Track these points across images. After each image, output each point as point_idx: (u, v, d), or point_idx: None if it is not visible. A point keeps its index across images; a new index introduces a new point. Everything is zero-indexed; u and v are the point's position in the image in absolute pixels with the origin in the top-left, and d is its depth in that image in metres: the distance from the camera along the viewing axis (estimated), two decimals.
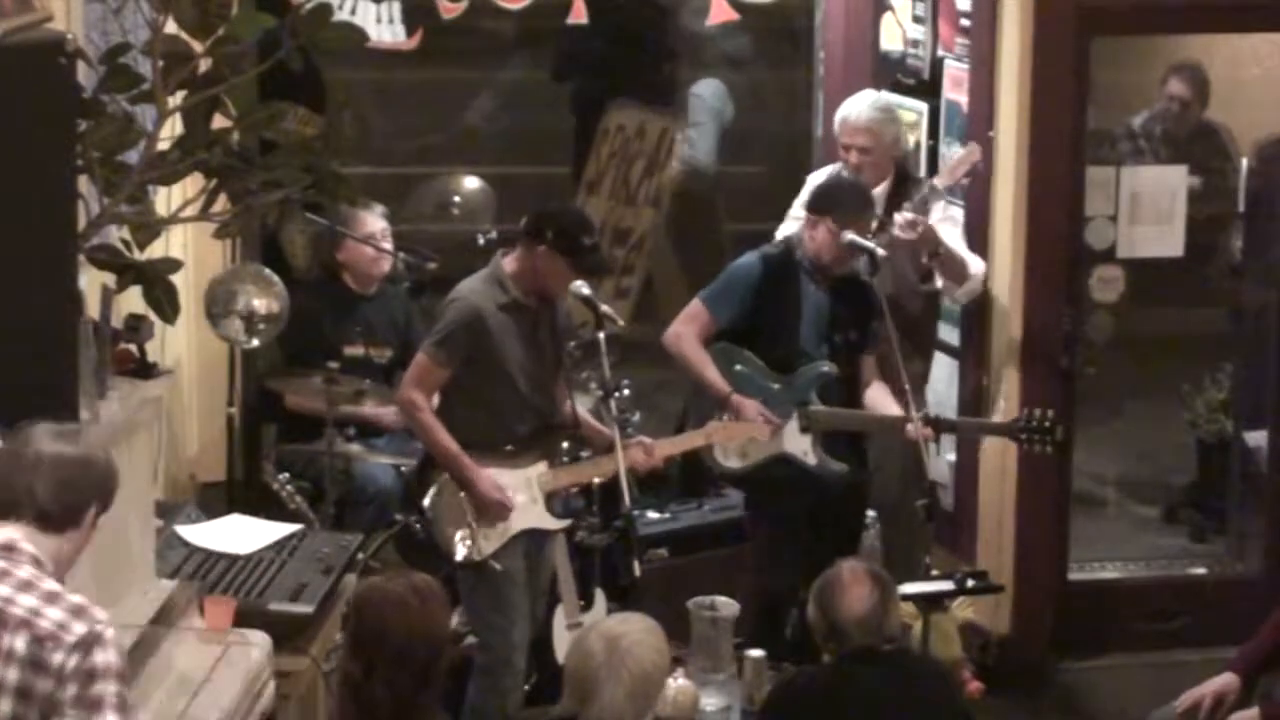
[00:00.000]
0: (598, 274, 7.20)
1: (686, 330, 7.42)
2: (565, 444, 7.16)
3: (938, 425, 7.49)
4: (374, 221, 8.15)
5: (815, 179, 8.02)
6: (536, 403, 6.93)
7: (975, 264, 7.93)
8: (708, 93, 9.87)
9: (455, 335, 6.79)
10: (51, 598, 4.20)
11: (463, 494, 6.82)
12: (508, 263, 6.88)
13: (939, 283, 7.98)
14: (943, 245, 7.80)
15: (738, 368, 7.35)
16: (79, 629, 4.17)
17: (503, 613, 6.86)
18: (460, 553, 6.81)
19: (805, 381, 7.38)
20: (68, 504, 4.34)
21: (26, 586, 4.19)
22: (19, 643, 4.14)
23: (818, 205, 7.42)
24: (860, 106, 7.98)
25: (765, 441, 7.36)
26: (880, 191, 7.95)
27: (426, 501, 6.89)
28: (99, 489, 4.43)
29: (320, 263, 8.29)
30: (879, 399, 7.43)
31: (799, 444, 7.39)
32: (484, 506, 6.82)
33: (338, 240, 8.07)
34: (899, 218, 7.70)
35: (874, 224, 7.49)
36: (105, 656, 4.19)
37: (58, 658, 4.14)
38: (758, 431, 7.22)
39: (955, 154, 7.98)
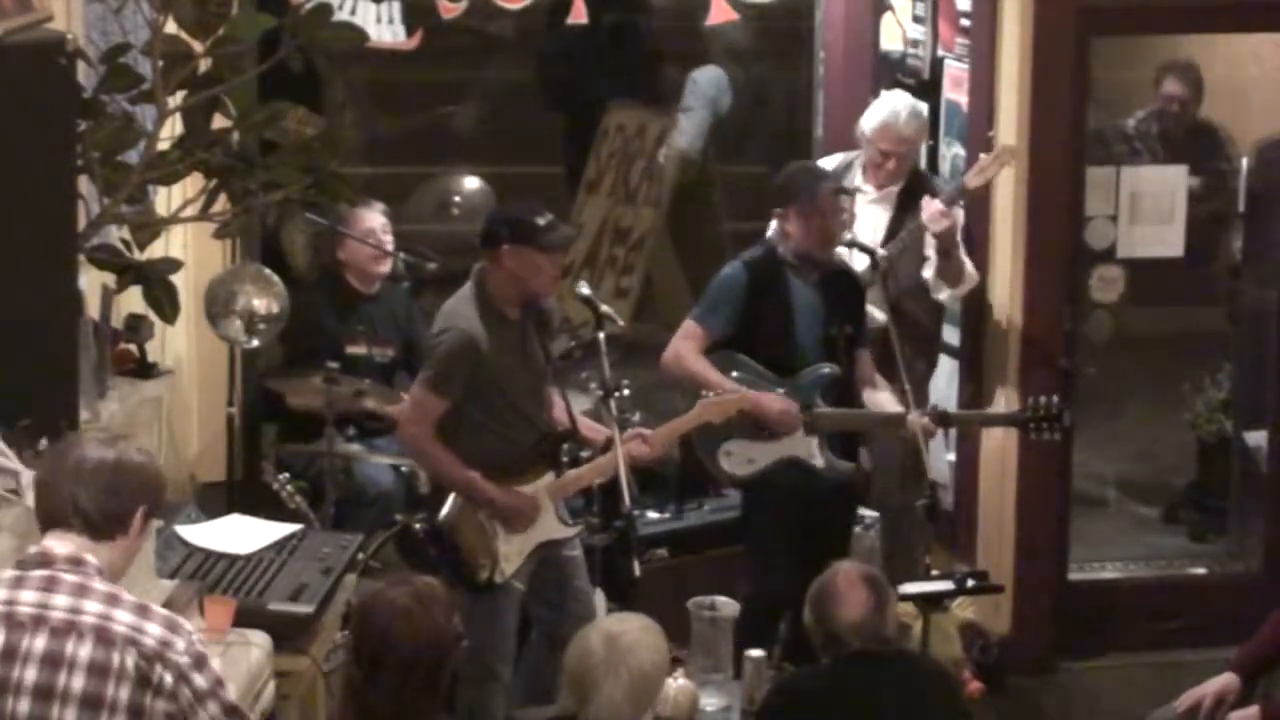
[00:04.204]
0: (565, 246, 7.09)
1: (684, 347, 7.39)
2: (565, 446, 7.13)
3: (944, 419, 7.50)
4: (373, 218, 8.14)
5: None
6: (533, 415, 6.91)
7: (971, 273, 7.93)
8: (704, 79, 9.85)
9: (452, 367, 6.71)
10: (143, 611, 4.20)
11: (480, 515, 6.81)
12: (486, 279, 6.81)
13: (927, 273, 7.95)
14: (957, 246, 7.82)
15: (735, 374, 7.33)
16: (181, 645, 4.19)
17: (496, 629, 6.84)
18: (483, 575, 6.80)
19: (808, 383, 7.36)
20: (111, 511, 4.27)
21: (114, 600, 4.18)
22: (129, 660, 4.14)
23: (779, 200, 7.42)
24: (902, 113, 7.94)
25: (771, 446, 7.35)
26: (895, 189, 7.96)
27: (443, 516, 6.85)
28: (143, 492, 4.35)
29: (321, 262, 8.28)
30: (878, 396, 7.43)
31: (805, 446, 7.38)
32: (514, 516, 6.80)
33: (338, 239, 8.07)
34: (930, 206, 7.70)
35: (836, 198, 7.47)
36: (217, 663, 4.27)
37: (168, 679, 4.16)
38: (745, 404, 7.17)
39: (985, 155, 7.91)
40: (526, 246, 6.72)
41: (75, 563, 4.19)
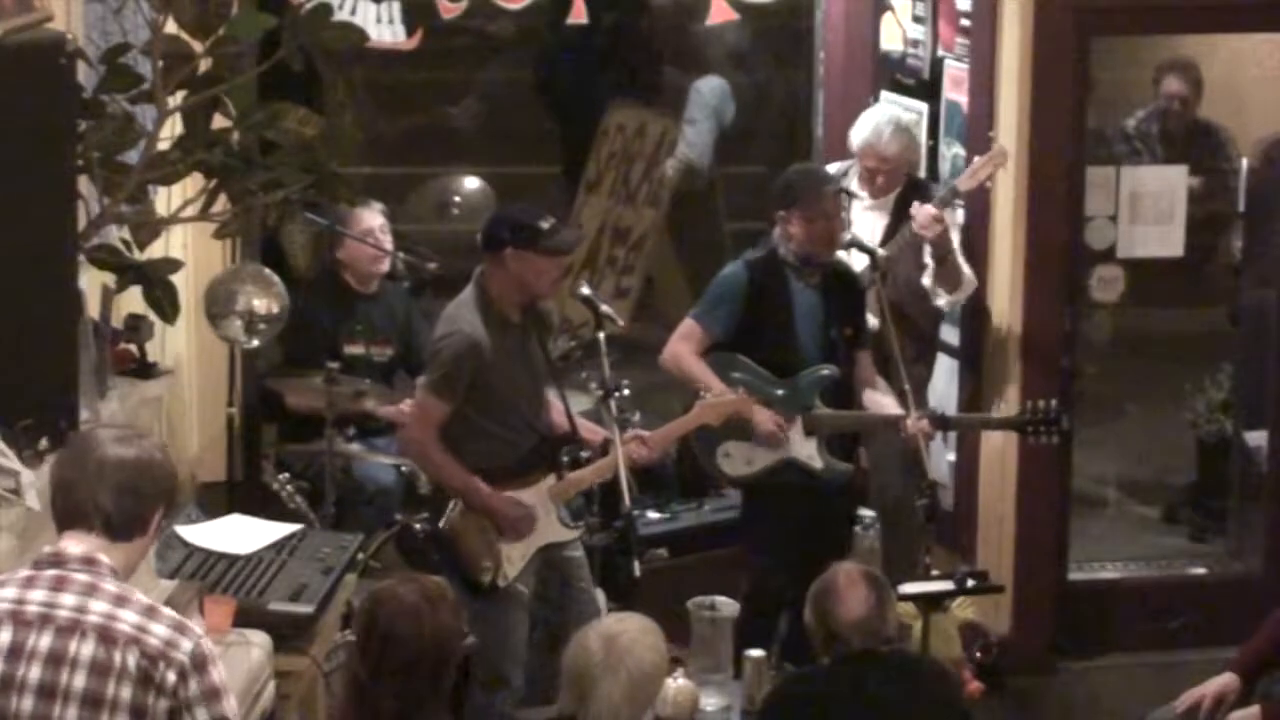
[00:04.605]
0: (570, 249, 7.11)
1: (682, 348, 7.39)
2: (566, 448, 7.13)
3: (942, 422, 7.50)
4: (371, 218, 8.14)
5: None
6: (533, 419, 6.92)
7: (969, 278, 7.92)
8: (707, 90, 9.84)
9: (456, 372, 6.72)
10: (150, 612, 4.18)
11: (483, 518, 6.81)
12: (487, 283, 6.82)
13: (926, 280, 7.96)
14: (952, 251, 7.81)
15: (736, 375, 7.33)
16: (186, 646, 4.15)
17: (502, 631, 6.84)
18: (486, 579, 6.80)
19: (808, 385, 7.36)
20: (133, 513, 4.25)
21: (122, 601, 4.16)
22: (130, 660, 4.12)
23: (781, 202, 7.41)
24: (885, 133, 7.92)
25: (770, 448, 7.35)
26: (890, 197, 7.96)
27: (443, 524, 6.86)
28: (163, 493, 4.32)
29: (320, 262, 8.27)
30: (878, 397, 7.43)
31: (805, 448, 7.38)
32: (510, 525, 6.80)
33: (337, 239, 8.07)
34: (921, 212, 7.69)
35: (838, 200, 7.47)
36: (219, 672, 4.21)
37: (170, 678, 4.13)
38: (743, 407, 7.18)
39: (979, 158, 7.90)
40: (529, 250, 6.72)
41: (88, 563, 4.19)
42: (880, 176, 7.95)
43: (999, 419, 7.88)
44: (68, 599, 4.15)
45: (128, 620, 4.14)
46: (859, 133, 8.01)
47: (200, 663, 4.17)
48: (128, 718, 4.11)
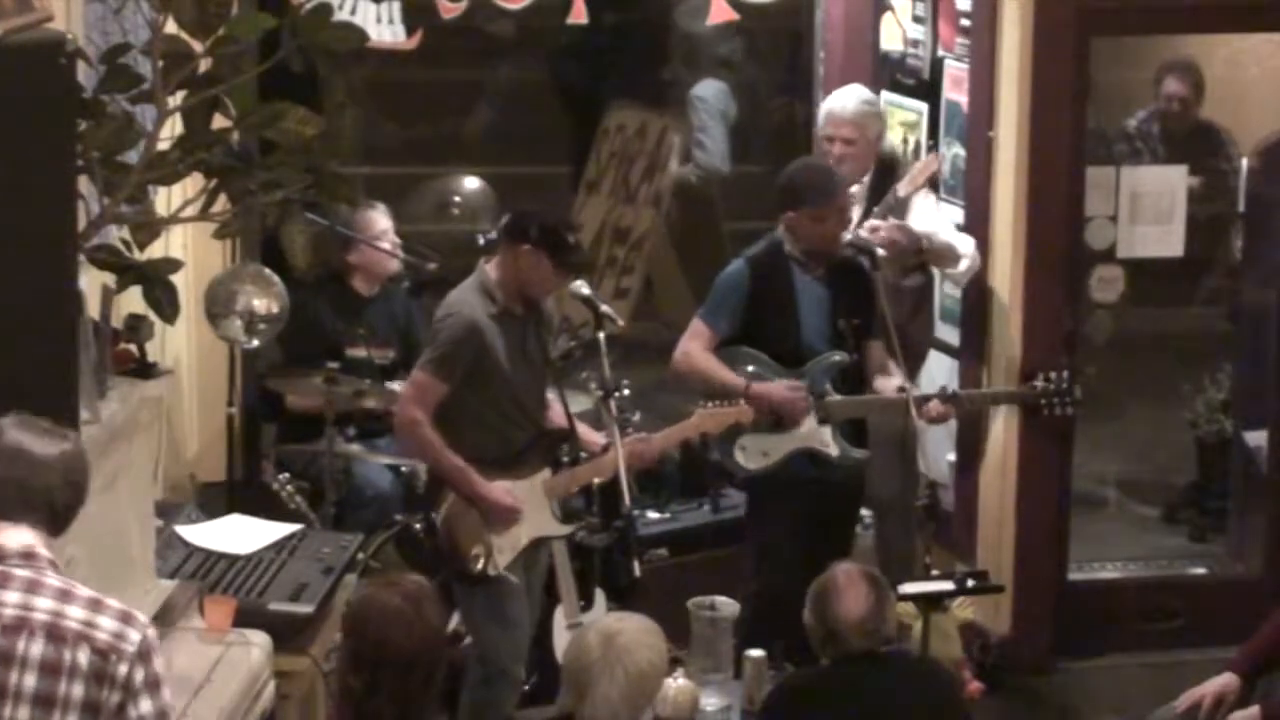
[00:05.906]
0: (581, 271, 7.15)
1: (693, 346, 7.40)
2: (565, 446, 7.13)
3: (955, 400, 7.49)
4: (382, 220, 8.15)
5: None
6: (533, 412, 6.93)
7: (964, 245, 7.91)
8: (710, 94, 9.86)
9: (454, 352, 6.73)
10: (96, 605, 4.16)
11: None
12: (492, 269, 6.84)
13: (934, 272, 7.97)
14: (924, 240, 7.81)
15: (750, 369, 7.34)
16: (134, 637, 4.14)
17: (502, 624, 6.85)
18: (477, 567, 6.81)
19: (819, 373, 7.36)
20: (73, 505, 4.26)
21: (66, 596, 4.14)
22: (81, 657, 4.10)
23: (787, 201, 7.41)
24: (846, 100, 7.99)
25: (786, 438, 7.35)
26: (862, 186, 7.96)
27: (437, 516, 6.87)
28: (88, 487, 4.35)
29: (325, 263, 8.27)
30: (891, 382, 7.42)
31: (819, 436, 7.38)
32: (496, 514, 6.81)
33: (349, 243, 8.07)
34: (867, 224, 7.72)
35: (847, 194, 7.48)
36: (161, 663, 4.20)
37: (122, 670, 4.11)
38: (744, 417, 7.18)
39: (917, 164, 7.96)
40: (548, 257, 6.74)
41: (28, 557, 4.16)
42: (838, 145, 7.91)
43: (1008, 392, 7.84)
44: (11, 596, 4.12)
45: (75, 617, 4.12)
46: (823, 107, 8.05)
47: (146, 653, 4.16)
48: (79, 715, 4.09)
